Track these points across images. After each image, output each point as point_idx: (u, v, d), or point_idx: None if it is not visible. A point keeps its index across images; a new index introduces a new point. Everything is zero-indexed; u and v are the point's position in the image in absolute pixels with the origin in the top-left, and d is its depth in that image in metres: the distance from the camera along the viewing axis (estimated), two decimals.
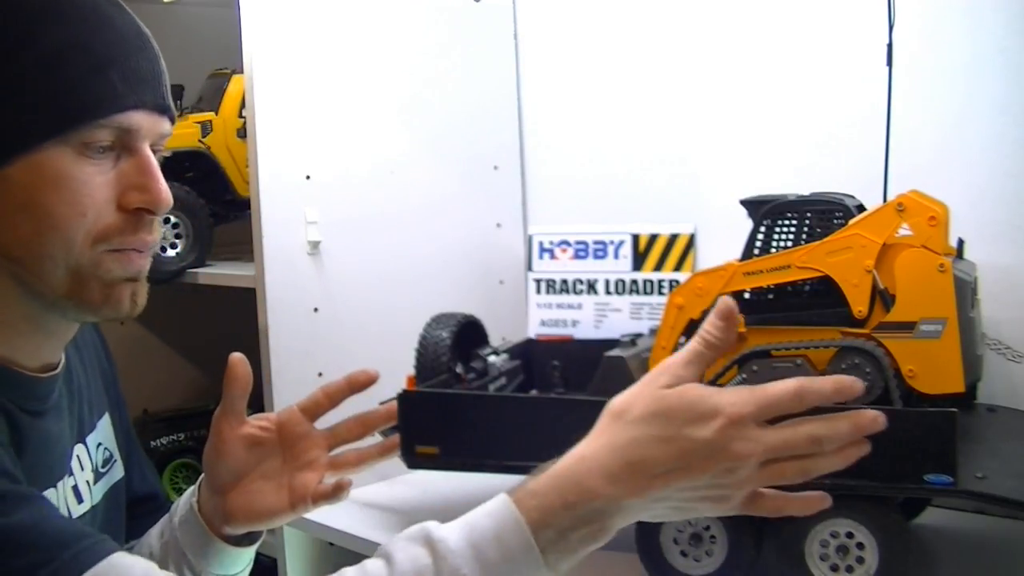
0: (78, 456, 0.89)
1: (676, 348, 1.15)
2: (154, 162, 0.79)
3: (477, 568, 0.67)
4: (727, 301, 0.74)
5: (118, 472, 0.97)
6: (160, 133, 0.81)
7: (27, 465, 0.78)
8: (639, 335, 1.28)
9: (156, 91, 0.80)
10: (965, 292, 0.98)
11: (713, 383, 1.06)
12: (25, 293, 0.79)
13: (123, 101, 0.77)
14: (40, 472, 0.81)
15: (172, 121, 0.83)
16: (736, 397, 0.70)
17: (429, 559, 0.67)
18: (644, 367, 1.15)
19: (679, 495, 0.70)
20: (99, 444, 0.94)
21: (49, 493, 0.81)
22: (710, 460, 0.68)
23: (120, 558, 0.68)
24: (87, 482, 0.90)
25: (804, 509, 0.74)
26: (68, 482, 0.87)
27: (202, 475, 0.96)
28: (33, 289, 0.78)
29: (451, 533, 0.69)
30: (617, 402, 0.73)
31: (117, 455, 0.98)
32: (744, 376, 1.04)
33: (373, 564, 0.68)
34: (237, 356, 0.94)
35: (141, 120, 0.78)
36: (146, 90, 0.79)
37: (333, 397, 0.98)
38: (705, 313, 1.12)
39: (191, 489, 0.98)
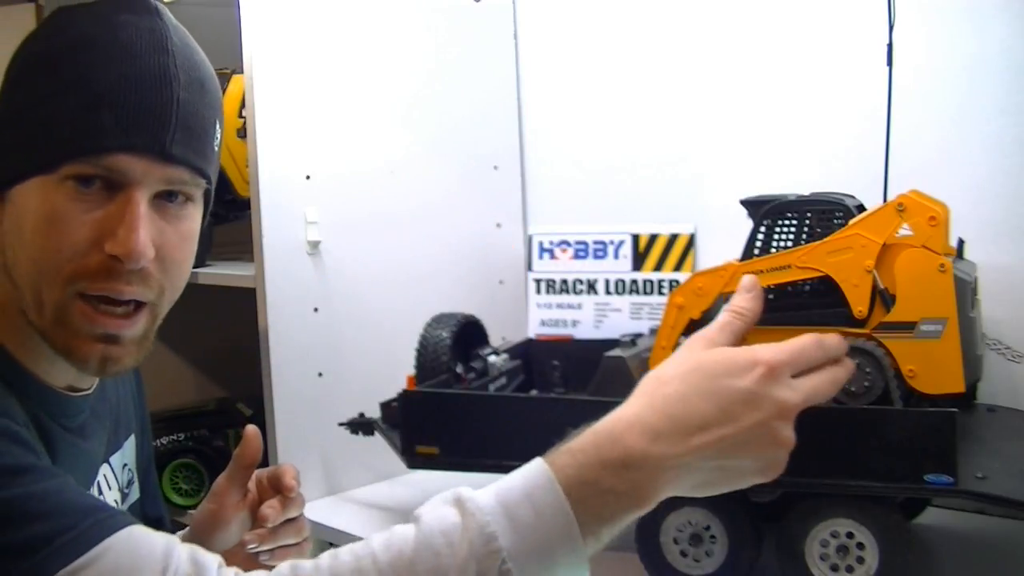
0: (105, 475, 0.89)
1: (676, 348, 1.15)
2: (137, 210, 0.75)
3: (506, 525, 0.64)
4: (751, 277, 0.81)
5: (135, 494, 0.97)
6: (163, 179, 0.77)
7: None
8: (639, 335, 1.28)
9: (157, 136, 0.75)
10: (965, 292, 0.98)
11: None
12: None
13: (110, 142, 0.74)
14: None
15: (195, 168, 0.79)
16: (771, 348, 0.72)
17: (457, 518, 0.65)
18: (644, 367, 1.15)
19: (724, 454, 0.68)
20: (124, 464, 0.94)
21: None
22: (753, 409, 0.68)
23: (140, 530, 0.68)
24: (116, 501, 0.91)
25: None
26: None
27: (184, 532, 0.97)
28: (27, 319, 0.78)
29: (481, 494, 0.67)
30: (656, 369, 0.74)
31: (136, 477, 0.98)
32: None
33: (402, 527, 0.67)
34: (252, 429, 0.94)
35: (130, 164, 0.75)
36: (142, 134, 0.75)
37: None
38: (705, 313, 1.12)
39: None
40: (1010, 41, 1.23)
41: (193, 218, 0.82)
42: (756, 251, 1.09)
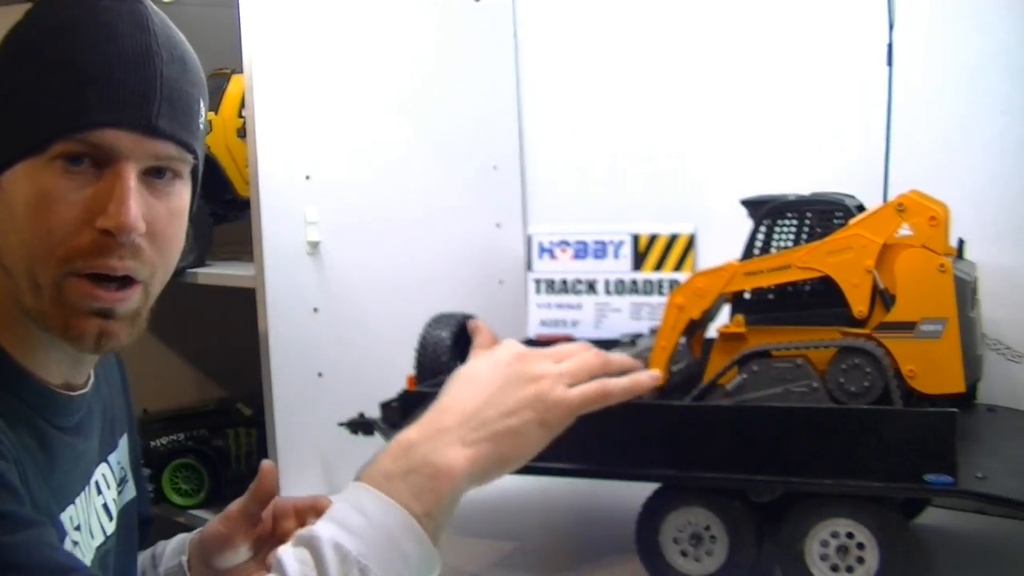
0: (103, 475, 0.89)
1: (676, 348, 1.15)
2: (127, 183, 0.75)
3: (346, 535, 0.71)
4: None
5: (130, 492, 0.97)
6: (151, 154, 0.77)
7: (56, 482, 0.78)
8: (639, 335, 1.28)
9: (143, 110, 0.76)
10: (965, 292, 0.98)
11: (713, 384, 1.06)
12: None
13: (95, 118, 0.74)
14: (66, 489, 0.81)
15: (182, 143, 0.79)
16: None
17: (307, 552, 0.71)
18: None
19: (489, 411, 0.77)
20: (118, 462, 0.94)
21: (69, 510, 0.81)
22: (496, 367, 0.80)
23: None
24: (113, 500, 0.91)
25: (631, 390, 0.83)
26: (97, 500, 0.87)
27: (192, 536, 0.98)
28: (22, 305, 0.77)
29: (316, 524, 0.73)
30: None
31: (130, 475, 0.98)
32: (744, 376, 1.04)
33: None
34: (268, 464, 0.95)
35: (118, 139, 0.75)
36: (128, 109, 0.75)
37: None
38: (705, 313, 1.12)
39: (180, 543, 0.99)
40: (1011, 41, 1.23)
41: (181, 196, 0.82)
42: (756, 251, 1.09)
